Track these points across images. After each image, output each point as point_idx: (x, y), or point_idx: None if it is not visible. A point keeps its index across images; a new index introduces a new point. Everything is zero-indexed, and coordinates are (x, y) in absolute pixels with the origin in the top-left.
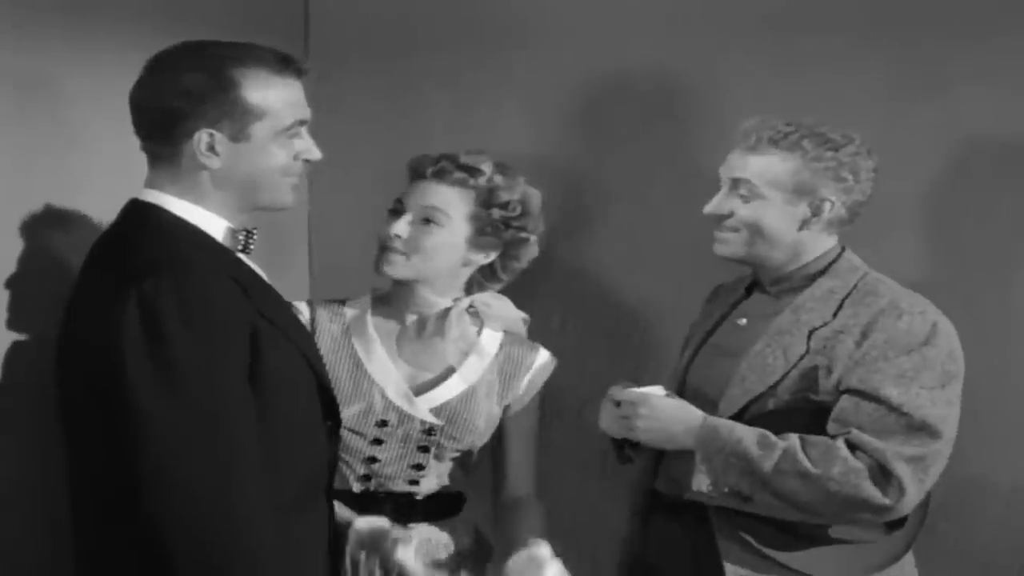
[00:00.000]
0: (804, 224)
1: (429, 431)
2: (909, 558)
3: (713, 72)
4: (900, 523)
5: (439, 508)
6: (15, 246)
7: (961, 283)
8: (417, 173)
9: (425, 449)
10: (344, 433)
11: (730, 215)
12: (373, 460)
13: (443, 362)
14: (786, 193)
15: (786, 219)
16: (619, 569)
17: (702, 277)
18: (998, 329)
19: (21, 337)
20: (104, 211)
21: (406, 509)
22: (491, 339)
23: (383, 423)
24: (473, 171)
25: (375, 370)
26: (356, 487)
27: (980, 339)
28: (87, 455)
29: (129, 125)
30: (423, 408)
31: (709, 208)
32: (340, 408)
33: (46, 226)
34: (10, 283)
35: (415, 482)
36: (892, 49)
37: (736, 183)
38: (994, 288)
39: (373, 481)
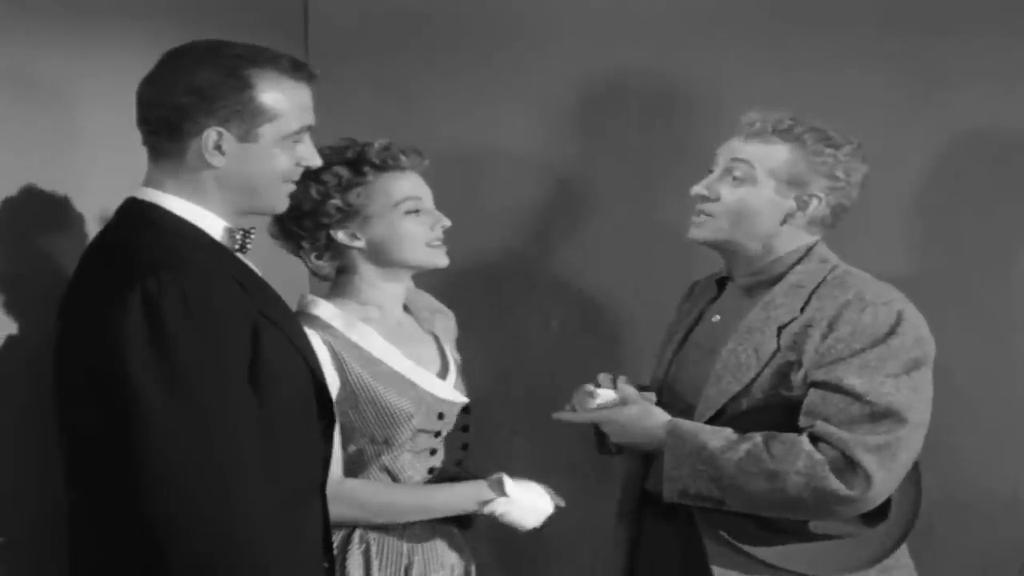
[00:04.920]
0: (787, 218)
1: (465, 409)
2: (904, 551)
3: (712, 72)
4: (884, 516)
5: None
6: (14, 246)
7: (959, 282)
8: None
9: (465, 429)
10: (403, 440)
11: (716, 199)
12: (434, 452)
13: (429, 344)
14: (779, 183)
15: (772, 209)
16: (611, 570)
17: (701, 276)
18: (997, 328)
19: (20, 336)
20: (104, 211)
21: None
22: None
23: (440, 416)
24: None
25: (415, 376)
26: (422, 481)
27: (979, 338)
28: (85, 453)
29: (129, 124)
30: (457, 392)
31: (698, 188)
32: (406, 420)
33: (45, 226)
34: (9, 282)
35: (459, 462)
36: (891, 48)
37: (733, 165)
38: (993, 287)
39: (436, 473)
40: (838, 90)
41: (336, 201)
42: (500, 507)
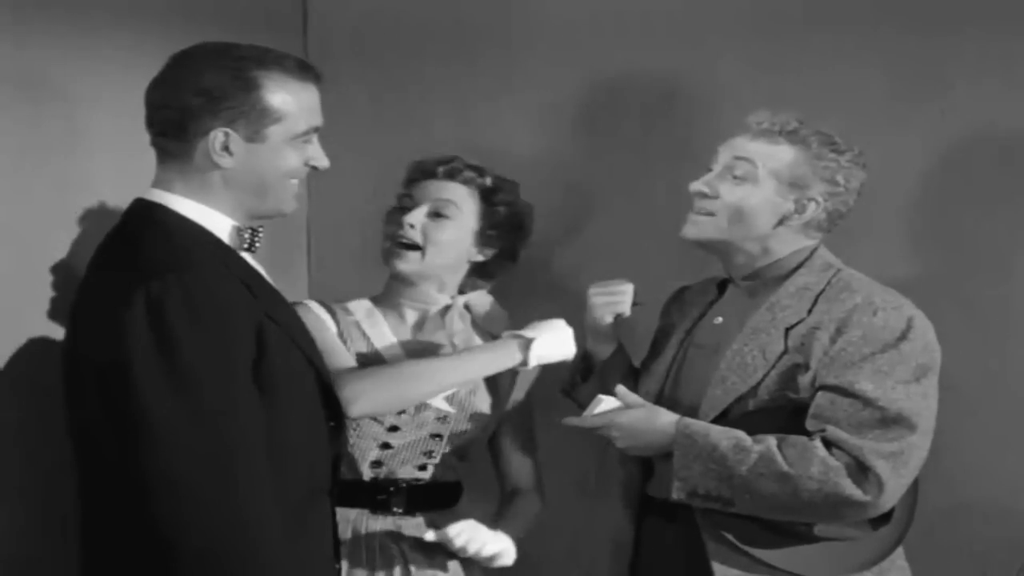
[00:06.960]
0: (783, 220)
1: (443, 419)
2: (899, 553)
3: (712, 73)
4: (887, 519)
5: (442, 496)
6: (19, 246)
7: (959, 282)
8: (425, 172)
9: (438, 436)
10: (363, 420)
11: (715, 196)
12: (387, 447)
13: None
14: (780, 184)
15: (769, 210)
16: (611, 574)
17: (701, 278)
18: (996, 328)
19: (26, 338)
20: (109, 212)
21: (414, 496)
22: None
23: (401, 411)
24: (480, 170)
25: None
26: (367, 474)
27: (978, 339)
28: (94, 456)
29: (133, 126)
30: (439, 397)
31: (697, 185)
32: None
33: (51, 227)
34: (14, 284)
35: (423, 468)
36: (891, 47)
37: (736, 163)
38: (992, 287)
39: (384, 468)
40: (838, 90)
41: None
42: (535, 349)
